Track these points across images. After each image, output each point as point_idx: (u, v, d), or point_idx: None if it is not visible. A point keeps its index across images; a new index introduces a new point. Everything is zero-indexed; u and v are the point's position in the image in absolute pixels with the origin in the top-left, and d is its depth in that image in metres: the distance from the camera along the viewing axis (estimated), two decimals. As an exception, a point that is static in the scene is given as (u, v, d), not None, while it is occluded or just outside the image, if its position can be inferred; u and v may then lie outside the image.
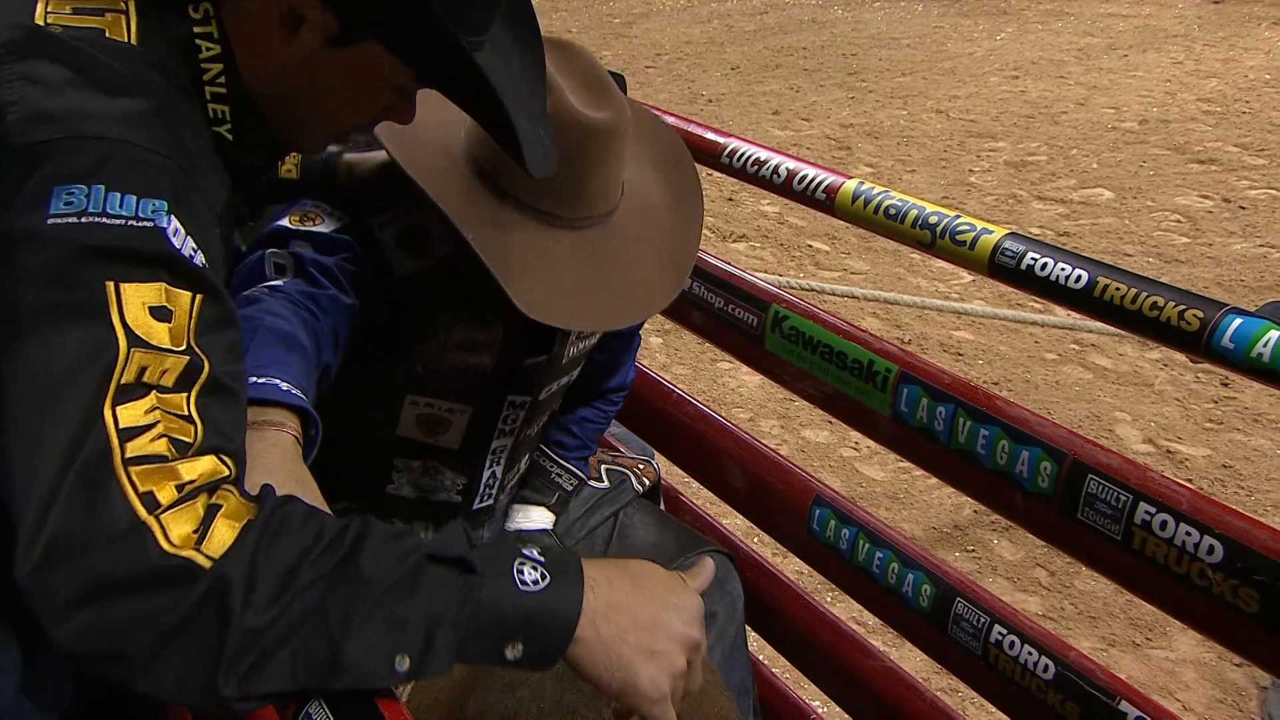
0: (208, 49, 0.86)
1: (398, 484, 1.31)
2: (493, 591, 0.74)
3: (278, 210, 1.18)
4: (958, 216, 1.29)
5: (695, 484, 1.83)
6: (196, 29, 0.86)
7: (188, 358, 0.73)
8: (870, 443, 3.66)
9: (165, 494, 0.69)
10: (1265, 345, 1.07)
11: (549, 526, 1.47)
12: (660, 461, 1.83)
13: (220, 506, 0.71)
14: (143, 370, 0.71)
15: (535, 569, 0.77)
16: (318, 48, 0.90)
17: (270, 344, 0.93)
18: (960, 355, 4.35)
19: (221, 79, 0.87)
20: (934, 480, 3.48)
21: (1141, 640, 2.89)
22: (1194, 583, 1.11)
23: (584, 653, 0.78)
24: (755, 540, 2.02)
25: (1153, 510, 1.14)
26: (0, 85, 0.75)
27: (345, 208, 1.16)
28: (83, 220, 0.70)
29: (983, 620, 1.37)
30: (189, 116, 0.85)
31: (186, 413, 0.72)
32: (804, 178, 1.49)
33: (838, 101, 8.03)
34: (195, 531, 0.69)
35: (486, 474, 1.35)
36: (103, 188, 0.71)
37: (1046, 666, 1.31)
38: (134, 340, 0.71)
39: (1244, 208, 5.88)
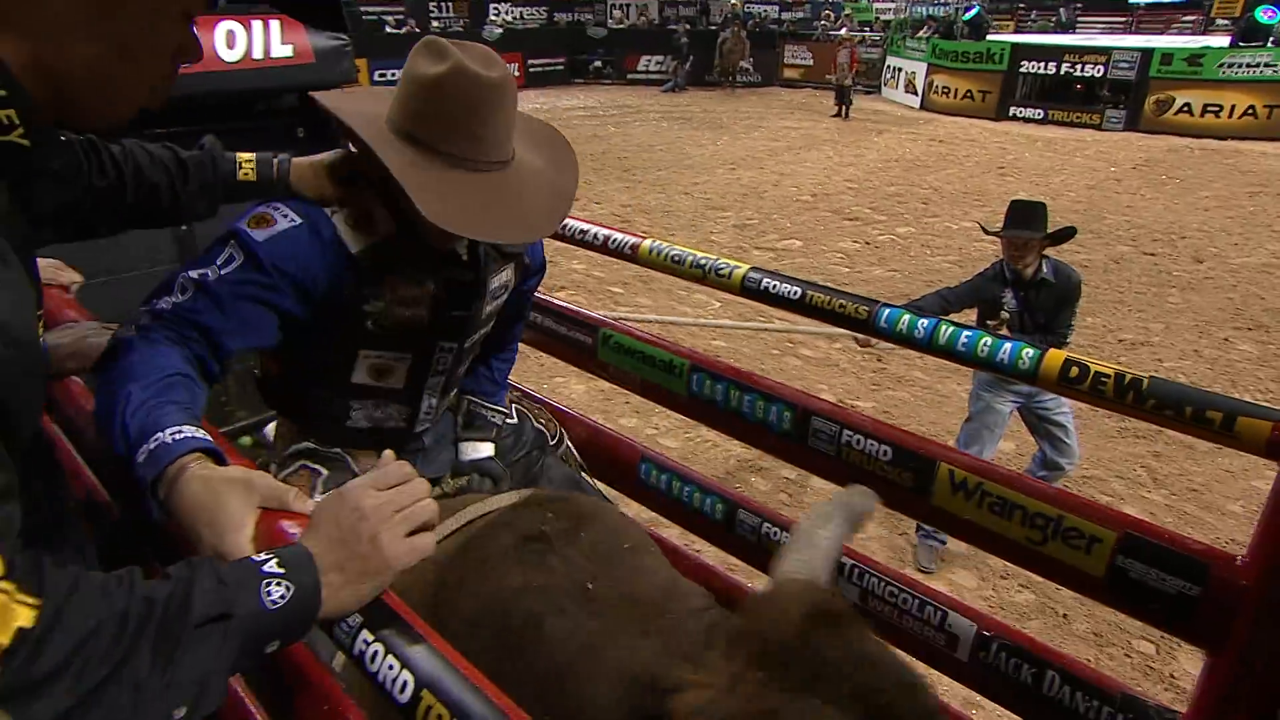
0: None
1: (355, 419, 1.21)
2: (247, 623, 0.62)
3: (241, 211, 1.05)
4: (719, 259, 1.42)
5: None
6: None
7: None
8: (666, 423, 3.82)
9: None
10: (903, 324, 1.26)
11: (492, 454, 1.40)
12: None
13: None
14: None
15: (280, 584, 0.63)
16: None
17: (159, 390, 0.82)
18: (718, 357, 4.58)
19: None
20: (709, 442, 3.68)
21: (849, 529, 3.17)
22: (877, 474, 1.26)
23: (336, 609, 0.66)
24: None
25: (850, 433, 1.29)
26: None
27: (298, 207, 1.05)
28: None
29: (756, 521, 1.49)
30: None
31: None
32: (615, 240, 1.59)
33: (617, 189, 8.23)
34: None
35: (424, 404, 1.27)
36: None
37: (798, 543, 1.44)
38: None
39: (877, 248, 6.54)
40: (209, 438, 0.78)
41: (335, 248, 1.05)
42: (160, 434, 0.75)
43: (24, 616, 0.51)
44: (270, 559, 0.65)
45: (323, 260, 1.03)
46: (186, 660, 0.58)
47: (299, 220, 1.03)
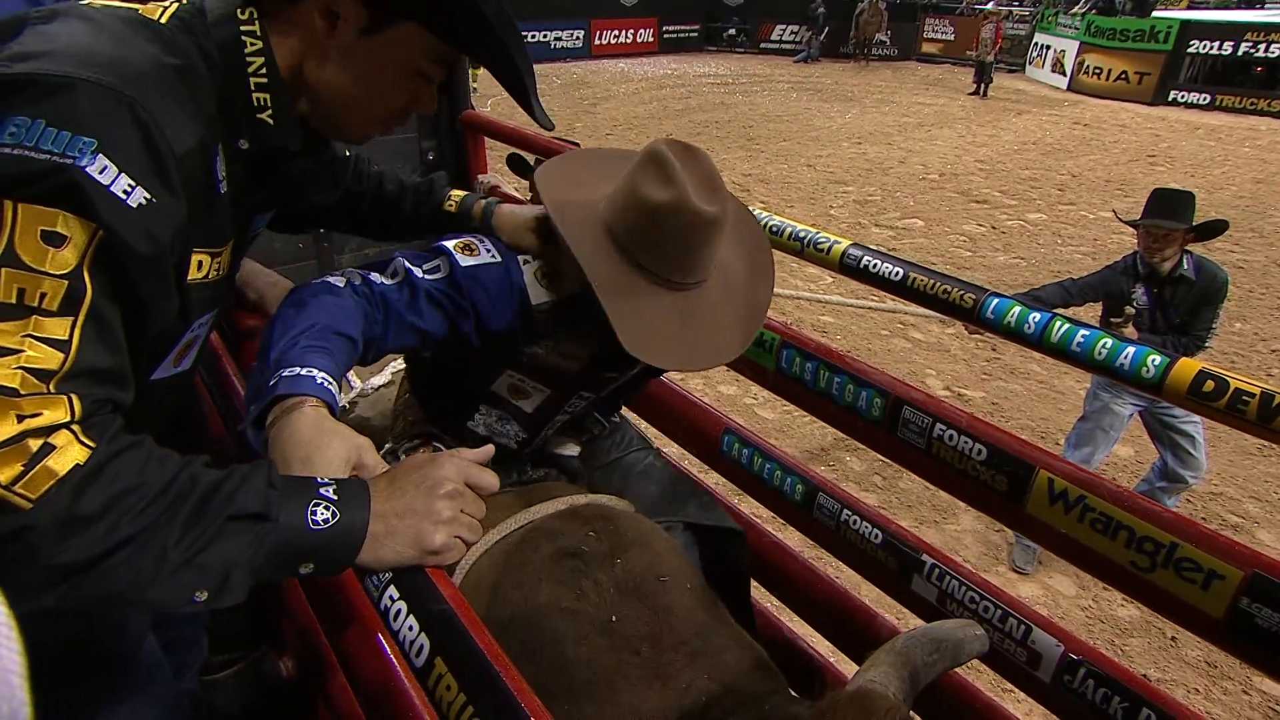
0: (251, 44, 0.73)
1: (475, 423, 1.21)
2: (286, 534, 0.61)
3: (449, 235, 1.07)
4: (818, 232, 1.30)
5: (639, 419, 1.80)
6: (243, 29, 0.72)
7: (68, 283, 0.56)
8: (764, 394, 3.70)
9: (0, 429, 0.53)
10: (1012, 317, 1.11)
11: (575, 454, 1.39)
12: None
13: (53, 449, 0.54)
14: (21, 292, 0.55)
15: (328, 508, 0.63)
16: (352, 39, 0.75)
17: (323, 336, 0.84)
18: (824, 333, 4.40)
19: (264, 71, 0.73)
20: (807, 418, 3.54)
21: (939, 519, 2.98)
22: (968, 474, 1.14)
23: (372, 557, 0.65)
24: (685, 461, 2.02)
25: (944, 428, 1.16)
26: (18, 35, 0.62)
27: (499, 246, 1.06)
28: (13, 151, 0.55)
29: (836, 507, 1.39)
30: (190, 82, 0.67)
31: (65, 337, 0.56)
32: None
33: (740, 158, 8.01)
34: (19, 472, 0.53)
35: (541, 435, 1.26)
36: (42, 123, 0.56)
37: (877, 535, 1.33)
38: (9, 259, 0.54)
39: (1004, 233, 6.03)
40: (341, 398, 0.83)
41: (519, 294, 1.05)
42: (313, 370, 0.77)
43: (81, 456, 0.55)
44: (329, 485, 0.65)
45: (506, 302, 1.04)
46: (214, 547, 0.59)
47: (498, 259, 1.04)
